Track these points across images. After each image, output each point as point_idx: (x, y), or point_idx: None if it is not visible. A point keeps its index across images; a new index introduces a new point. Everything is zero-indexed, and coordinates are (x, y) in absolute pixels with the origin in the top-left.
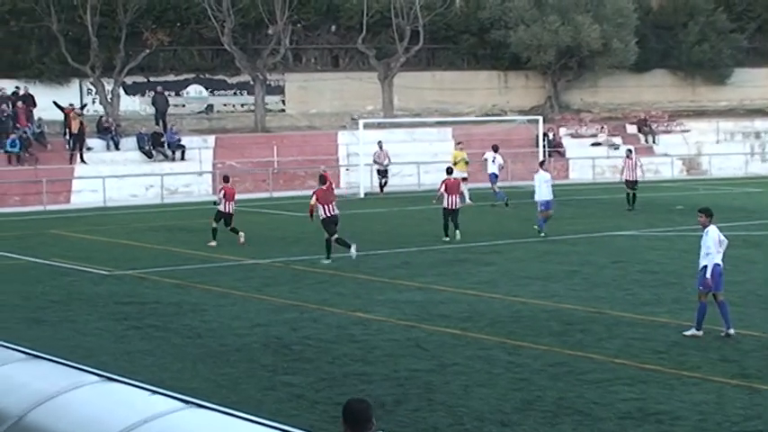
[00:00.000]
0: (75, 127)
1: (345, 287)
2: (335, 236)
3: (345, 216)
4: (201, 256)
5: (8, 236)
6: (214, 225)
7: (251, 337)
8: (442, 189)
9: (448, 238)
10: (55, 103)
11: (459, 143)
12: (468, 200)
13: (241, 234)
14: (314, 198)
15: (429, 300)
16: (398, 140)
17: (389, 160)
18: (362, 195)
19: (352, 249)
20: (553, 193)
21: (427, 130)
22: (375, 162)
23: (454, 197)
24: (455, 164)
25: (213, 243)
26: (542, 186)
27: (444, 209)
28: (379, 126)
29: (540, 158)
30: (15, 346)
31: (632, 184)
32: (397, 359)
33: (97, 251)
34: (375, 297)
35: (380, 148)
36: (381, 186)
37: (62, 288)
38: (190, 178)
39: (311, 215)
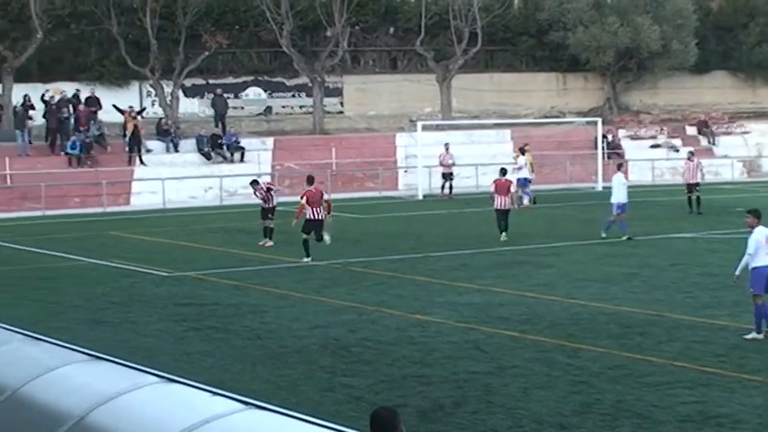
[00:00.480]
0: (129, 129)
1: (404, 289)
2: (306, 237)
3: (404, 218)
4: (260, 258)
5: (68, 237)
6: (270, 225)
7: (310, 339)
8: (493, 189)
9: (506, 238)
10: (114, 106)
11: (526, 145)
12: (525, 201)
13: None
14: (304, 199)
15: (488, 302)
16: (457, 142)
17: (454, 162)
18: (421, 197)
19: (306, 259)
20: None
21: (485, 131)
22: (441, 164)
23: (504, 198)
24: (524, 167)
25: (270, 243)
26: (620, 189)
27: (496, 210)
28: (438, 128)
29: (619, 161)
30: (76, 347)
31: (693, 186)
32: (456, 361)
33: (157, 253)
34: (434, 299)
35: (446, 150)
36: (443, 188)
37: (122, 289)
38: (248, 180)
39: (297, 217)
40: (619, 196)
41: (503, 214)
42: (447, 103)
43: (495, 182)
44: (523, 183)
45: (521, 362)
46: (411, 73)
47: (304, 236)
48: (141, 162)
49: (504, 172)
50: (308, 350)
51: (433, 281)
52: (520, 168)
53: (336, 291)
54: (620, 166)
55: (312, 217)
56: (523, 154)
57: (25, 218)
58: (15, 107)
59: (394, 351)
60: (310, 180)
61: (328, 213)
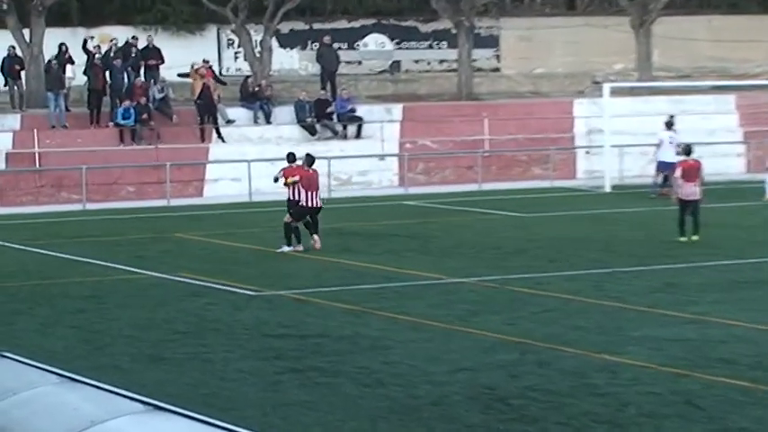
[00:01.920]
0: (196, 90)
1: (586, 318)
2: (291, 222)
3: (585, 218)
4: (384, 272)
5: (120, 240)
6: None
7: (452, 387)
8: (678, 174)
9: (684, 239)
10: (181, 75)
11: None
12: None
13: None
14: (297, 177)
15: (704, 337)
16: (658, 112)
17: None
18: (608, 189)
19: (286, 248)
20: None
21: (700, 97)
22: (658, 146)
23: (692, 185)
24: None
25: (300, 247)
26: None
27: (680, 200)
28: (632, 92)
29: None
30: (129, 393)
31: None
32: (660, 421)
33: (240, 263)
34: (627, 332)
35: (668, 126)
36: (658, 182)
37: (191, 314)
38: (368, 163)
39: (287, 184)
40: None
41: (691, 206)
42: (645, 58)
43: (680, 164)
44: (666, 168)
45: (752, 423)
46: (595, 15)
47: (290, 221)
48: (219, 137)
49: (688, 150)
50: (449, 402)
51: (626, 306)
52: (658, 146)
53: (490, 319)
54: None
55: (308, 205)
56: (670, 128)
57: (60, 213)
58: (50, 61)
59: (571, 405)
60: (310, 160)
61: None
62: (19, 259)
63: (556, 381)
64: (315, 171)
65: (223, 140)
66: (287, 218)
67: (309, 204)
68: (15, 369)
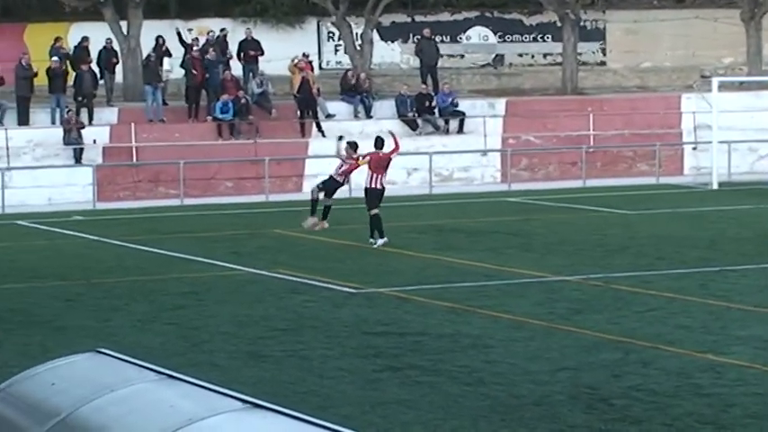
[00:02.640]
0: (295, 84)
1: (691, 316)
2: (375, 211)
3: (692, 215)
4: (485, 269)
5: (218, 236)
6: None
7: (554, 386)
8: None
9: None
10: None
11: None
12: None
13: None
14: (368, 157)
15: None
16: (766, 108)
17: None
18: (716, 186)
19: (379, 242)
20: None
21: None
22: None
23: None
24: None
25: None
26: None
27: None
28: (741, 87)
29: None
30: (227, 390)
31: None
32: (767, 422)
33: (339, 260)
34: (733, 332)
35: None
36: None
37: (290, 311)
38: (470, 159)
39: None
40: None
41: None
42: (756, 52)
43: None
44: None
45: None
46: (703, 7)
47: (377, 212)
48: (320, 131)
49: None
50: (551, 402)
51: (732, 306)
52: None
53: (593, 318)
54: None
55: (372, 186)
56: None
57: (157, 208)
58: (149, 56)
59: (675, 405)
60: (380, 143)
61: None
62: (117, 255)
63: (659, 381)
64: (384, 154)
65: (323, 135)
66: (374, 210)
67: (374, 185)
68: (112, 366)
